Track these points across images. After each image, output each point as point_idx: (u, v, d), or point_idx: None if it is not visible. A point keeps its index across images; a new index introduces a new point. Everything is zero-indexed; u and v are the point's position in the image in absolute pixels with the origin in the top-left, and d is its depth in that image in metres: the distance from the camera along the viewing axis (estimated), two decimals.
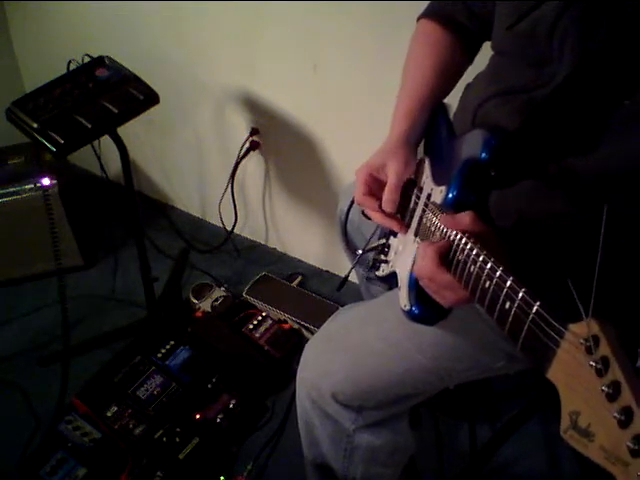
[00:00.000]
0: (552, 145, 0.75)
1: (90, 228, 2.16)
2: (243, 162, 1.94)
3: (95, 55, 1.47)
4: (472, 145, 0.80)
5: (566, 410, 0.49)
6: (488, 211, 0.81)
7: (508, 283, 0.60)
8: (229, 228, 2.09)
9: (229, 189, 1.99)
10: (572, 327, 0.50)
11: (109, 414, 1.52)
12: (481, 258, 0.65)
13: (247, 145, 1.90)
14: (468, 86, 0.97)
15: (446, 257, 0.72)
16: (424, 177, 0.92)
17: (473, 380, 1.01)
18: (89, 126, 1.34)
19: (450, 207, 0.80)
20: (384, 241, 1.01)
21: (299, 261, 2.08)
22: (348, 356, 0.99)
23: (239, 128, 1.90)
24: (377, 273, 1.01)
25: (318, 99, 1.69)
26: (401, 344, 0.95)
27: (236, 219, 2.06)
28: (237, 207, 2.03)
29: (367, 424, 1.03)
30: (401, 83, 0.98)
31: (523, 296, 0.57)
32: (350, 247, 1.26)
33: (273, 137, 1.87)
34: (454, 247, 0.72)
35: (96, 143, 1.81)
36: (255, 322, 1.77)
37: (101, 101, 1.38)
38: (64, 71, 1.44)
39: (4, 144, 1.99)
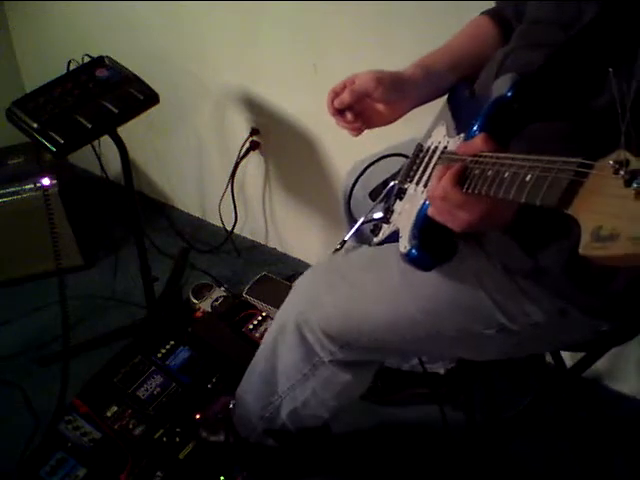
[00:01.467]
0: (571, 84, 0.77)
1: (90, 228, 2.16)
2: (243, 162, 1.94)
3: (95, 55, 1.47)
4: (497, 90, 0.81)
5: (587, 233, 0.51)
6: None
7: (529, 160, 0.61)
8: (229, 228, 2.09)
9: (229, 189, 1.99)
10: (601, 160, 0.52)
11: (109, 414, 1.52)
12: (501, 157, 0.67)
13: (247, 145, 1.90)
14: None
15: (462, 177, 0.73)
16: (440, 136, 0.94)
17: (464, 359, 1.02)
18: (89, 126, 1.34)
19: None
20: (383, 211, 1.02)
21: (299, 261, 2.08)
22: (342, 295, 1.01)
23: (239, 128, 1.90)
24: (375, 239, 1.02)
25: (318, 99, 1.68)
26: (397, 291, 0.97)
27: (236, 219, 2.06)
28: (237, 207, 2.03)
29: (341, 360, 1.05)
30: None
31: (547, 160, 0.58)
32: (353, 225, 1.27)
33: (273, 137, 1.87)
34: (469, 167, 0.73)
35: (96, 143, 1.81)
36: (255, 322, 1.77)
37: (101, 101, 1.38)
38: (64, 71, 1.44)
39: (4, 144, 1.99)
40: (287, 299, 1.11)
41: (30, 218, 1.84)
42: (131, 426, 1.50)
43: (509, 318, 0.91)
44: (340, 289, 1.02)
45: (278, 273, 1.98)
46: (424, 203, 0.85)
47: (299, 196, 1.95)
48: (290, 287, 1.87)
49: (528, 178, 0.60)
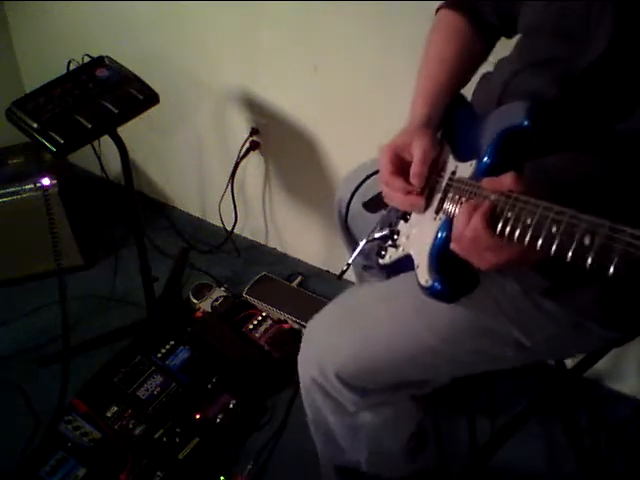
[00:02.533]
0: (593, 112, 0.75)
1: (90, 228, 2.16)
2: (243, 162, 1.94)
3: (95, 55, 1.47)
4: (508, 116, 0.78)
5: None
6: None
7: (585, 218, 0.57)
8: (229, 228, 2.09)
9: (229, 189, 1.99)
10: None
11: (109, 414, 1.52)
12: (542, 207, 0.63)
13: (247, 145, 1.90)
14: (484, 76, 0.98)
15: (493, 217, 0.70)
16: (443, 158, 0.91)
17: (479, 373, 1.01)
18: (89, 126, 1.34)
19: (483, 175, 0.78)
20: (387, 231, 1.00)
21: (299, 261, 2.08)
22: (356, 334, 0.98)
23: (239, 128, 1.90)
24: (382, 261, 0.99)
25: (319, 99, 1.69)
26: (412, 324, 0.94)
27: (236, 219, 2.06)
28: (237, 207, 2.03)
29: (369, 405, 1.03)
30: (420, 68, 0.98)
31: (611, 226, 0.55)
32: (349, 238, 1.24)
33: (273, 137, 1.87)
34: (500, 206, 0.69)
35: (96, 143, 1.81)
36: (255, 322, 1.77)
37: (101, 101, 1.38)
38: (64, 71, 1.44)
39: (4, 144, 1.99)
40: (301, 351, 1.07)
41: (30, 218, 1.84)
42: (131, 426, 1.50)
43: (525, 334, 0.90)
44: (353, 331, 0.99)
45: (278, 273, 1.98)
46: (439, 234, 0.82)
47: (299, 196, 1.95)
48: (290, 287, 1.91)
49: (587, 242, 0.56)
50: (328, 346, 1.00)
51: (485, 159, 0.79)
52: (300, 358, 1.07)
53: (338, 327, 1.01)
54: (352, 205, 1.15)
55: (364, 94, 1.58)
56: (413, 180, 0.85)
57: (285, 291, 1.90)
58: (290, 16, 1.58)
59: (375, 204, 1.05)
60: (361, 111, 1.61)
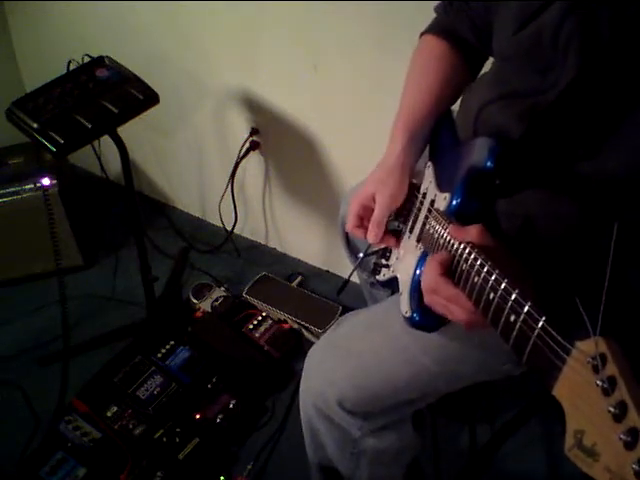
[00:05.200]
0: (558, 151, 0.74)
1: (90, 228, 2.16)
2: (243, 162, 1.94)
3: (95, 55, 1.47)
4: (476, 153, 0.79)
5: (571, 428, 0.48)
6: (494, 217, 0.80)
7: (513, 296, 0.59)
8: (229, 228, 2.09)
9: (229, 189, 1.99)
10: (579, 345, 0.49)
11: (109, 414, 1.52)
12: (485, 269, 0.65)
13: (247, 145, 1.90)
14: (469, 88, 0.97)
15: (449, 268, 0.71)
16: (428, 182, 0.92)
17: (479, 383, 1.01)
18: (89, 126, 1.34)
19: (453, 215, 0.80)
20: (384, 245, 1.01)
21: (299, 261, 2.08)
22: (354, 363, 0.99)
23: (239, 128, 1.90)
24: (378, 277, 1.00)
25: (319, 99, 1.69)
26: (407, 349, 0.94)
27: (236, 219, 2.06)
28: (237, 207, 2.03)
29: (372, 429, 1.03)
30: (402, 96, 0.98)
31: (529, 310, 0.56)
32: (351, 251, 1.25)
33: (273, 137, 1.87)
34: (457, 257, 0.71)
35: (96, 143, 1.82)
36: (255, 322, 1.77)
37: (101, 101, 1.38)
38: (64, 71, 1.44)
39: (4, 144, 1.99)
40: (302, 381, 1.07)
41: (30, 218, 1.84)
42: (131, 426, 1.50)
43: None
44: (350, 361, 0.99)
45: (278, 273, 1.98)
46: (417, 270, 0.84)
47: (299, 196, 1.95)
48: (290, 287, 1.91)
49: (512, 319, 0.58)
50: (328, 378, 1.01)
51: (454, 202, 0.80)
52: (301, 388, 1.07)
53: (336, 358, 1.01)
54: None
55: (364, 94, 1.58)
56: (368, 238, 0.92)
57: (285, 291, 1.90)
58: (290, 16, 1.58)
59: None
60: (361, 111, 1.61)
